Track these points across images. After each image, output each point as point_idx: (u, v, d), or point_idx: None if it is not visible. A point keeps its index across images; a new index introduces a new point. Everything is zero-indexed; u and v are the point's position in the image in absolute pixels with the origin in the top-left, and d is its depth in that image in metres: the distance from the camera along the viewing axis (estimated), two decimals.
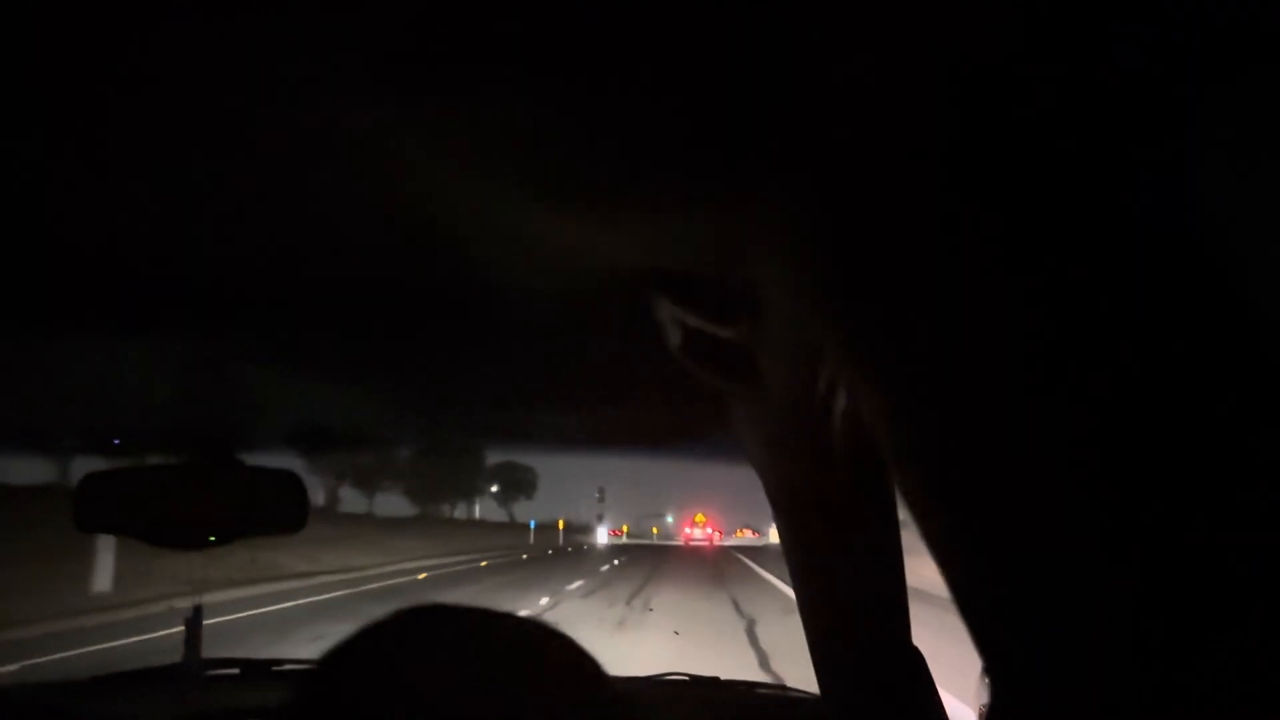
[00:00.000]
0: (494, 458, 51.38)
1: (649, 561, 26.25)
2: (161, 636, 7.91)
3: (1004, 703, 0.44)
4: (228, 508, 1.40)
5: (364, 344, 1.12)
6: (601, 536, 57.81)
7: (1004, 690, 0.43)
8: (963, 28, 0.41)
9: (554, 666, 0.56)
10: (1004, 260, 0.40)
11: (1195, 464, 0.34)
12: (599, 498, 65.05)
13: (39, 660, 7.24)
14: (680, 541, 67.62)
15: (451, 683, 0.53)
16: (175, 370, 1.24)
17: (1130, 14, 0.38)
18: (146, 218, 0.73)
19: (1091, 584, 0.37)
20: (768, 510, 1.10)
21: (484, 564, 22.39)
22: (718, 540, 70.52)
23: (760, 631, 8.70)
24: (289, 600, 12.32)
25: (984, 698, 0.49)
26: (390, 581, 15.31)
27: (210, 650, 1.54)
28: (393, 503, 47.36)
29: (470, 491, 56.60)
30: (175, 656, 1.51)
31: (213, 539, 1.38)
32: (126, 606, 10.36)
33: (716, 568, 23.47)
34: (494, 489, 61.68)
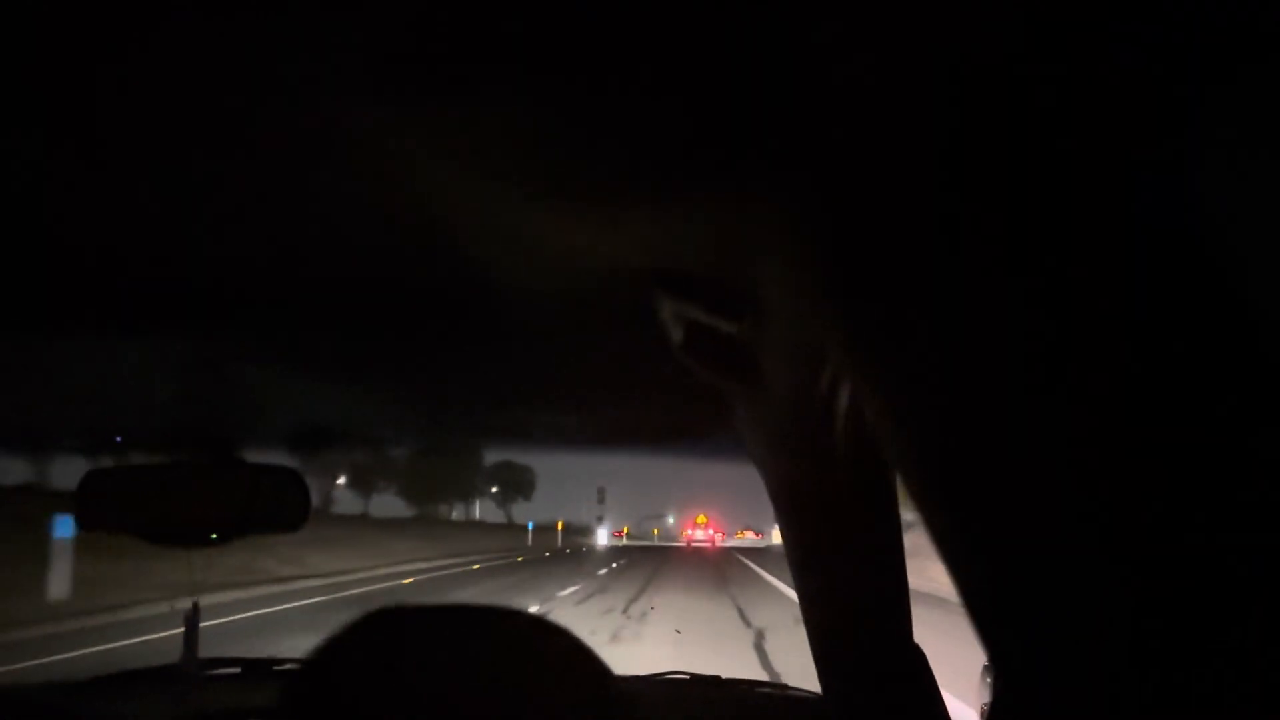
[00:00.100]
0: (492, 458, 51.39)
1: (649, 564, 26.13)
2: (123, 646, 7.28)
3: (1005, 702, 0.44)
4: (229, 506, 1.40)
5: (364, 344, 1.12)
6: (603, 538, 57.69)
7: (1005, 689, 0.43)
8: (963, 28, 0.41)
9: (556, 664, 0.56)
10: (1004, 260, 0.40)
11: (1195, 464, 0.34)
12: (599, 498, 64.94)
13: None
14: (682, 543, 67.62)
15: (452, 680, 0.53)
16: (176, 369, 1.25)
17: (1130, 14, 0.38)
18: (147, 218, 0.73)
19: (1092, 584, 0.37)
20: (769, 511, 1.10)
21: (476, 567, 22.24)
22: (720, 541, 70.57)
23: (770, 647, 8.46)
24: (262, 608, 11.29)
25: (985, 697, 0.49)
26: (373, 587, 14.88)
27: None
28: (389, 503, 47.27)
29: (468, 492, 56.46)
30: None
31: (214, 537, 1.38)
32: (86, 615, 9.86)
33: (718, 569, 23.42)
34: (493, 490, 61.60)
